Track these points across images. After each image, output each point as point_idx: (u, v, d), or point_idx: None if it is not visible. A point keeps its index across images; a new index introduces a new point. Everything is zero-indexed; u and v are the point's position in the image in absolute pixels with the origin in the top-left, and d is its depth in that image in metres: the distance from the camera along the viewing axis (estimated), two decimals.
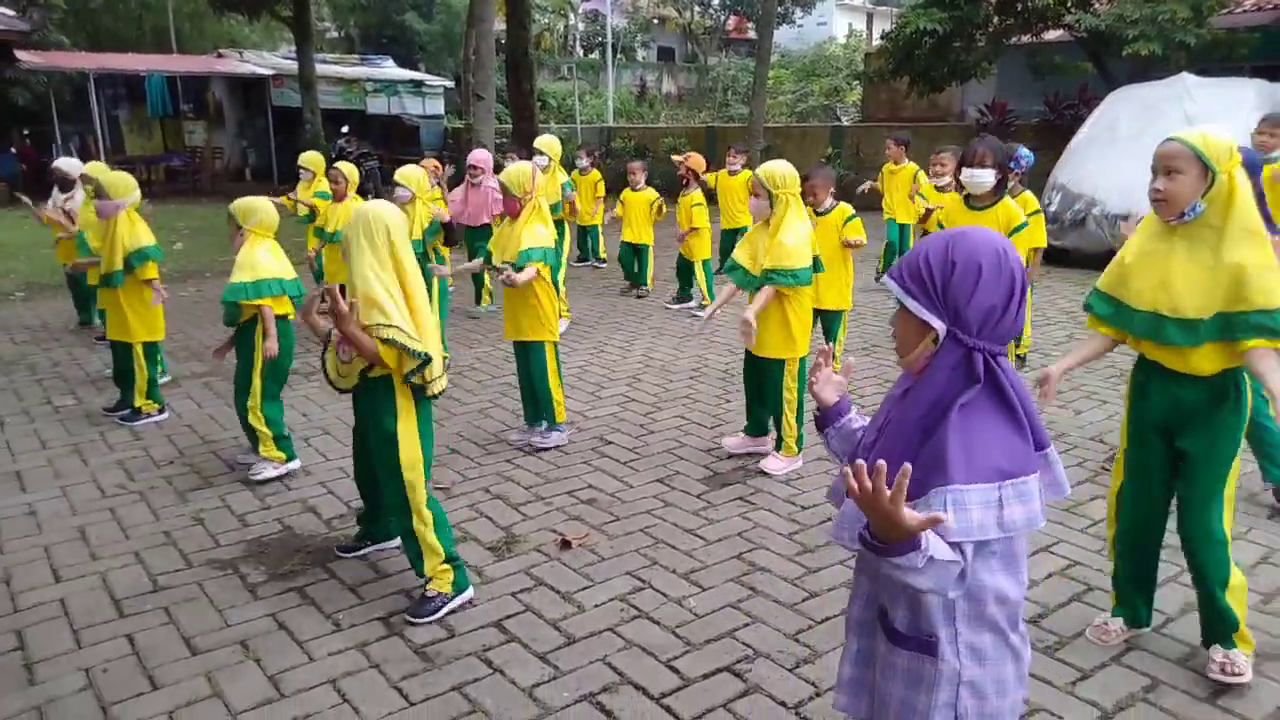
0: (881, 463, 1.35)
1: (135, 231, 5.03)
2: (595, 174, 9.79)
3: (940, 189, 6.70)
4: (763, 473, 4.41)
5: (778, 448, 4.52)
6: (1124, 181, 9.14)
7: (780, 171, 4.35)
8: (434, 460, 3.54)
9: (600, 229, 10.28)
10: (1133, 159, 9.84)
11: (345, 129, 21.10)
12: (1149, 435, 2.80)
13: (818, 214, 5.49)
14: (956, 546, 1.45)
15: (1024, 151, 6.04)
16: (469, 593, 3.28)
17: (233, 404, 4.51)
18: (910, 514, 1.36)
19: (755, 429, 4.69)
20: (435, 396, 3.19)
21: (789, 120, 24.40)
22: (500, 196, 7.32)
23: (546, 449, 4.74)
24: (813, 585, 3.37)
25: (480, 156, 7.50)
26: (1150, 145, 5.71)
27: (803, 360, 4.41)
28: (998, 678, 1.59)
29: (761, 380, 4.51)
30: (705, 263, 8.00)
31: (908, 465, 1.36)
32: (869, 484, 1.35)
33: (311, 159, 7.98)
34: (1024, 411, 1.53)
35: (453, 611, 3.19)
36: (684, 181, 8.13)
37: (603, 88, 31.09)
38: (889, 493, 1.34)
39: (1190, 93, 9.48)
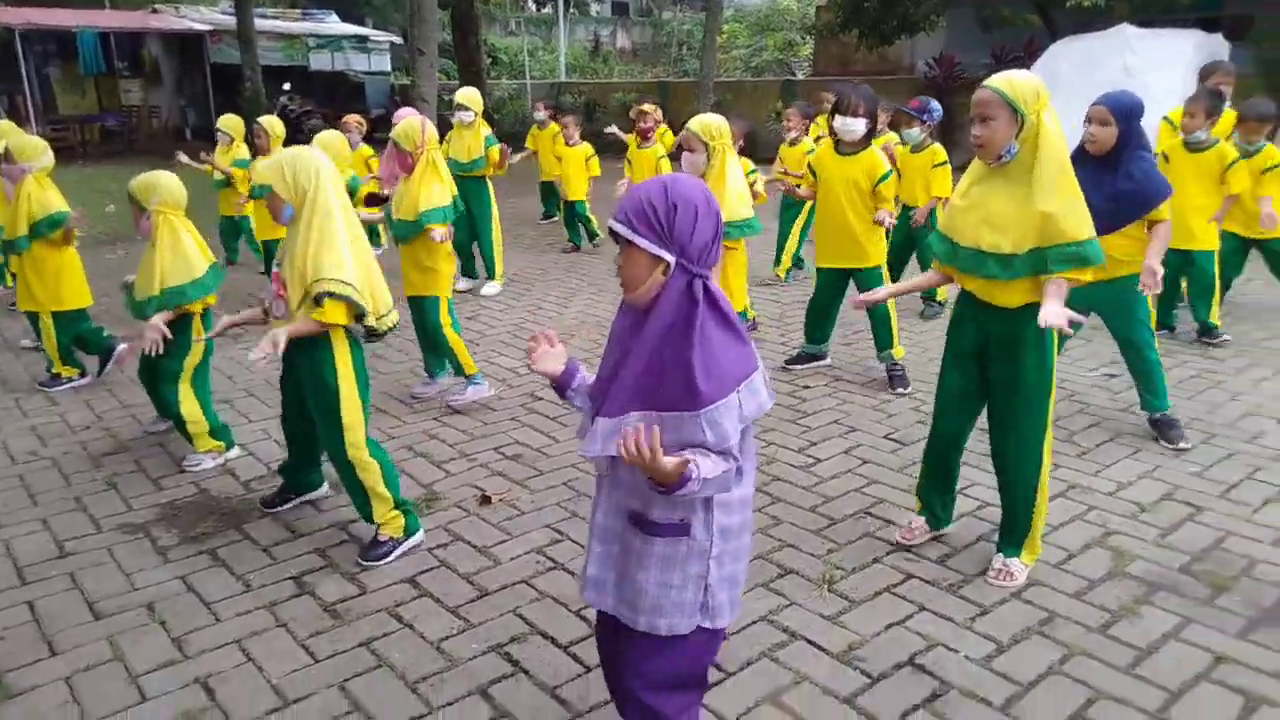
0: (640, 425, 1.66)
1: (45, 197, 4.84)
2: (554, 127, 9.59)
3: (792, 143, 6.79)
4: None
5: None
6: (1064, 133, 9.20)
7: (715, 123, 4.35)
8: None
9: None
10: (1072, 111, 9.98)
11: (287, 86, 20.64)
12: (963, 361, 3.05)
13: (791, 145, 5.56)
14: (726, 453, 1.73)
15: (935, 105, 6.05)
16: (420, 535, 3.33)
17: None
18: (668, 461, 1.65)
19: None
20: (384, 334, 3.29)
21: (743, 75, 24.23)
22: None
23: (462, 403, 4.69)
24: None
25: (403, 115, 7.35)
26: (1090, 97, 5.89)
27: (741, 314, 4.43)
28: (737, 548, 1.92)
29: None
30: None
31: (656, 428, 1.65)
32: (632, 448, 1.64)
33: (231, 123, 7.73)
34: (734, 319, 1.79)
35: (404, 555, 3.25)
36: (646, 135, 7.88)
37: (555, 43, 30.59)
38: (650, 453, 1.63)
39: (1130, 44, 9.56)
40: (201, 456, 4.09)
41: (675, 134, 9.36)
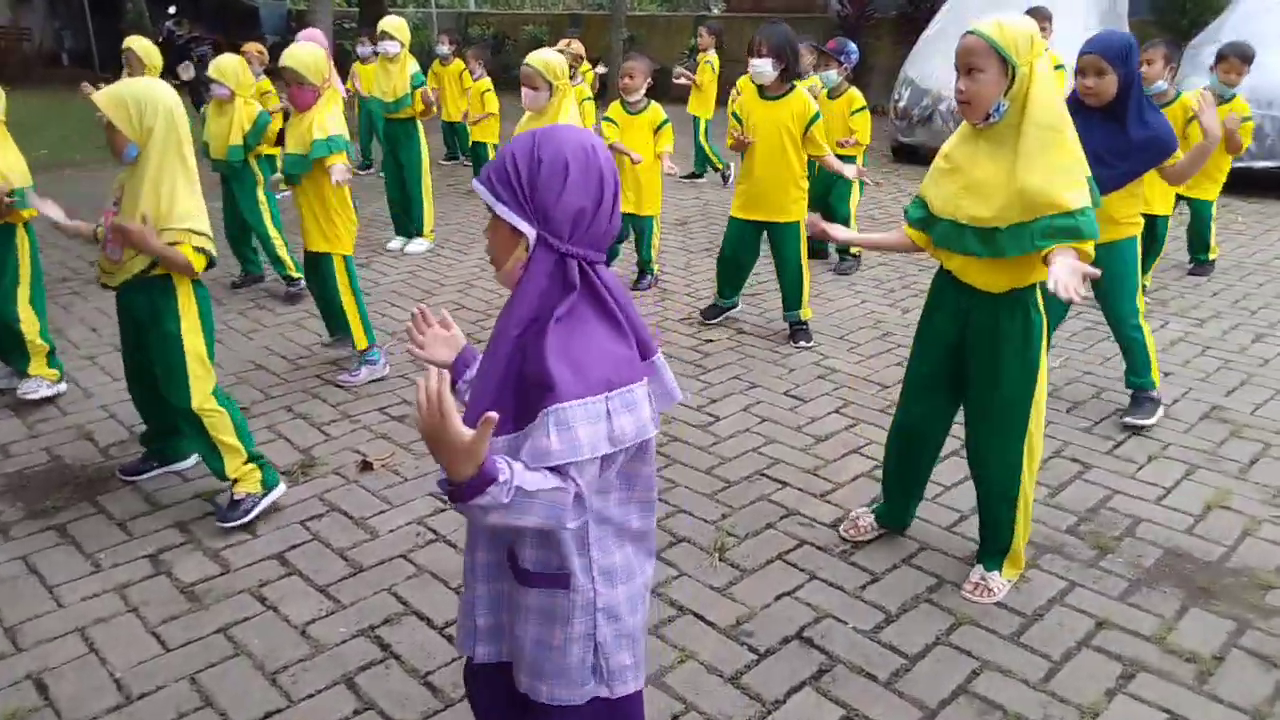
0: (492, 415, 1.24)
1: None
2: (458, 64, 9.09)
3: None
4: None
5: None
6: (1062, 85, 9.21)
7: (559, 61, 4.13)
8: (238, 379, 3.23)
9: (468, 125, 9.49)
10: None
11: (172, 10, 19.19)
12: (935, 351, 2.73)
13: (630, 111, 5.26)
14: (563, 472, 1.33)
15: (852, 46, 5.91)
16: (281, 488, 3.16)
17: None
18: (464, 433, 1.23)
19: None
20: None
21: (658, 9, 23.66)
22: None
23: (355, 384, 4.31)
24: None
25: (314, 35, 6.83)
26: None
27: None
28: (630, 595, 1.53)
29: None
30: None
31: (492, 415, 1.24)
32: (425, 400, 1.23)
33: (144, 47, 7.00)
34: (626, 319, 1.43)
35: (264, 511, 3.08)
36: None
37: None
38: (448, 419, 1.22)
39: None
40: (36, 383, 3.86)
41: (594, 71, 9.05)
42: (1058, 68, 6.13)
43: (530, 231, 1.40)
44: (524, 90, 4.19)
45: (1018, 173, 2.34)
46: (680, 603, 2.70)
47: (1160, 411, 3.85)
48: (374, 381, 4.28)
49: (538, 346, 1.37)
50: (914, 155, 9.74)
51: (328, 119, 3.99)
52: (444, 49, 8.98)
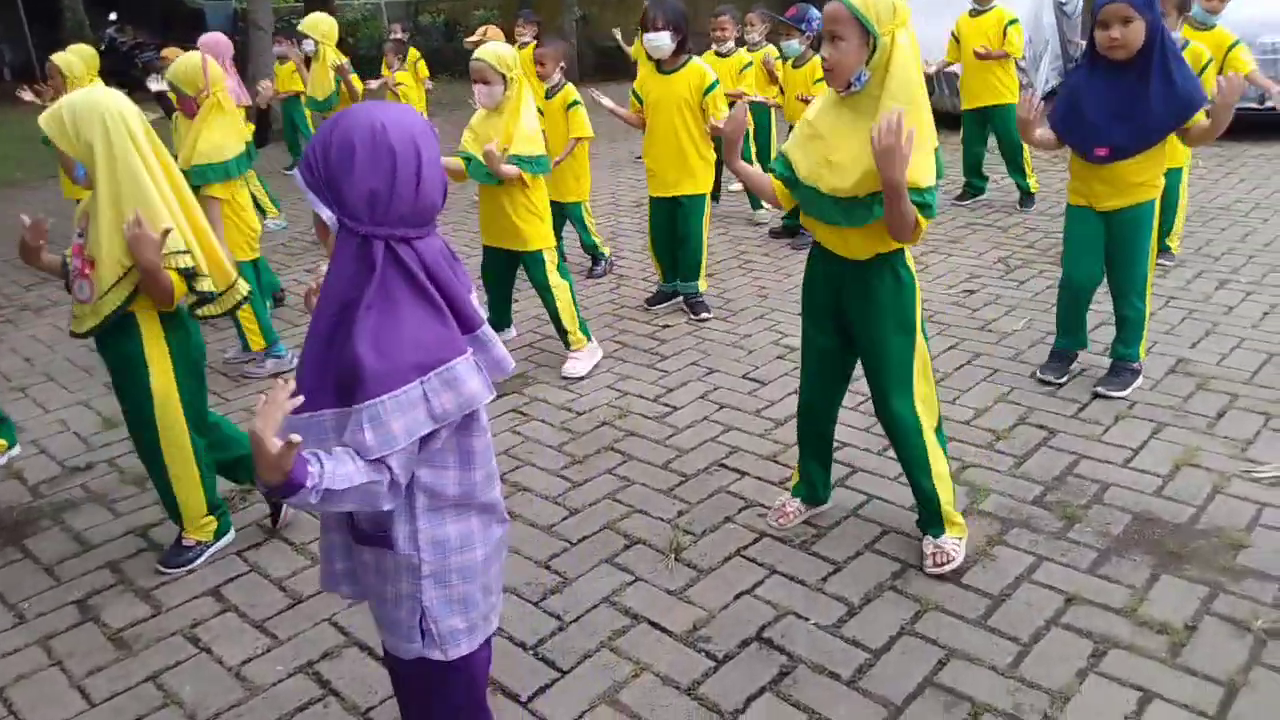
0: (295, 438, 1.31)
1: None
2: (414, 52, 8.85)
3: (722, 55, 6.27)
4: (566, 378, 4.13)
5: (567, 346, 4.25)
6: (922, 37, 9.05)
7: (510, 53, 3.96)
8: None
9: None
10: (925, 14, 9.85)
11: (113, 16, 18.78)
12: (818, 316, 2.70)
13: (547, 97, 5.08)
14: (381, 463, 1.40)
15: (814, 13, 5.72)
16: (230, 535, 2.98)
17: None
18: (274, 443, 1.29)
19: (501, 323, 4.46)
20: (228, 313, 2.90)
21: None
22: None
23: (263, 374, 4.30)
24: (575, 500, 3.16)
25: (206, 41, 6.63)
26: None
27: (558, 248, 4.21)
28: (464, 564, 1.58)
29: (508, 277, 4.29)
30: None
31: (295, 438, 1.30)
32: (262, 407, 1.33)
33: (65, 62, 6.72)
34: (445, 295, 1.45)
35: (212, 559, 2.92)
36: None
37: None
38: (266, 433, 1.30)
39: None
40: None
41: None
42: (1011, 22, 6.03)
43: (329, 216, 1.42)
44: (476, 87, 3.97)
45: (860, 143, 2.29)
46: (635, 610, 2.59)
47: (1137, 382, 3.68)
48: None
49: (348, 335, 1.39)
50: None
51: (212, 139, 3.88)
52: (398, 36, 8.75)
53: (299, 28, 6.24)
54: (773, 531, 2.92)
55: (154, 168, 2.57)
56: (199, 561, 2.89)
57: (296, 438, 1.30)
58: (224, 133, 3.94)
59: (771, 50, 6.42)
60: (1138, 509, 2.92)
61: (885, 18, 2.25)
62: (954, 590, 2.60)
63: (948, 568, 2.65)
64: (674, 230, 4.77)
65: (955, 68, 6.45)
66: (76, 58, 5.45)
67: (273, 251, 6.39)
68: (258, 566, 2.89)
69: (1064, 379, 3.79)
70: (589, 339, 4.27)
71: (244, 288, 2.88)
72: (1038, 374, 3.84)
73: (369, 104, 1.47)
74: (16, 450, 3.69)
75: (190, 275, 2.63)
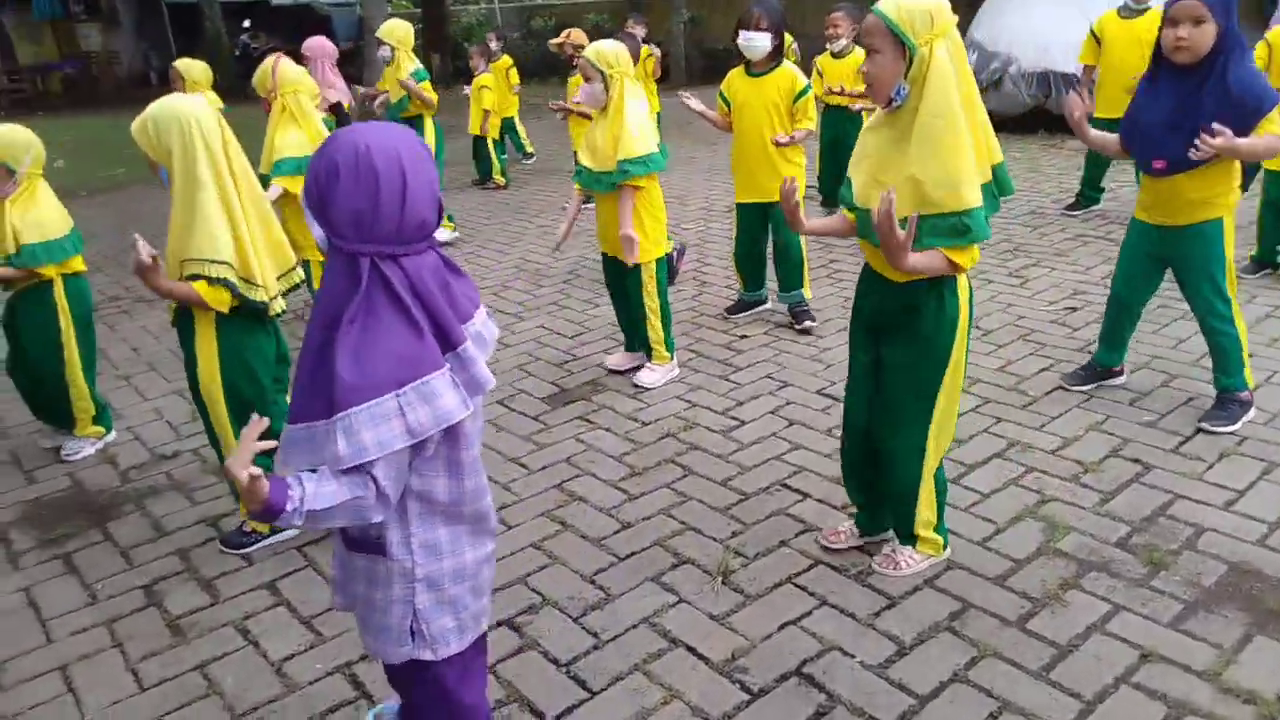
0: (255, 470, 1.41)
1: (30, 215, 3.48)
2: (505, 60, 9.05)
3: (837, 55, 6.17)
4: (637, 385, 4.09)
5: (649, 357, 4.19)
6: (1041, 36, 8.63)
7: (613, 50, 3.88)
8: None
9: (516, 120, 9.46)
10: (1051, 9, 9.36)
11: (247, 23, 19.85)
12: (862, 337, 2.60)
13: None
14: (361, 471, 1.45)
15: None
16: (289, 533, 3.05)
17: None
18: (248, 474, 1.39)
19: (633, 344, 4.29)
20: (276, 316, 2.92)
21: None
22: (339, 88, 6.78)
23: None
24: (629, 514, 3.11)
25: (309, 45, 6.94)
26: None
27: (660, 260, 4.04)
28: (456, 567, 1.64)
29: (624, 286, 4.13)
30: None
31: (256, 470, 1.39)
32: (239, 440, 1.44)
33: (185, 67, 7.15)
34: (429, 311, 1.49)
35: (274, 551, 3.01)
36: (573, 63, 7.39)
37: None
38: (237, 464, 1.40)
39: None
40: (82, 443, 3.79)
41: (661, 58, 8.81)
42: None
43: (319, 234, 1.50)
44: (581, 86, 4.00)
45: (911, 158, 2.23)
46: (673, 634, 2.51)
47: (1248, 415, 3.37)
48: None
49: (333, 348, 1.44)
50: None
51: (285, 142, 4.10)
52: (493, 45, 8.93)
53: (378, 34, 6.42)
54: (828, 559, 2.79)
55: (224, 175, 2.65)
56: (252, 549, 2.98)
57: (257, 470, 1.40)
58: (296, 132, 4.15)
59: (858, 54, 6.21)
60: (1235, 559, 2.67)
61: (921, 28, 2.16)
62: (1017, 636, 2.43)
63: (891, 573, 2.65)
64: (762, 238, 4.67)
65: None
66: (196, 66, 5.83)
67: None
68: (314, 563, 2.94)
69: (1084, 387, 3.71)
70: (671, 356, 4.18)
71: (281, 304, 2.92)
72: (1060, 381, 3.77)
73: (358, 126, 1.51)
74: (112, 436, 3.89)
75: (228, 285, 2.67)
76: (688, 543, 2.93)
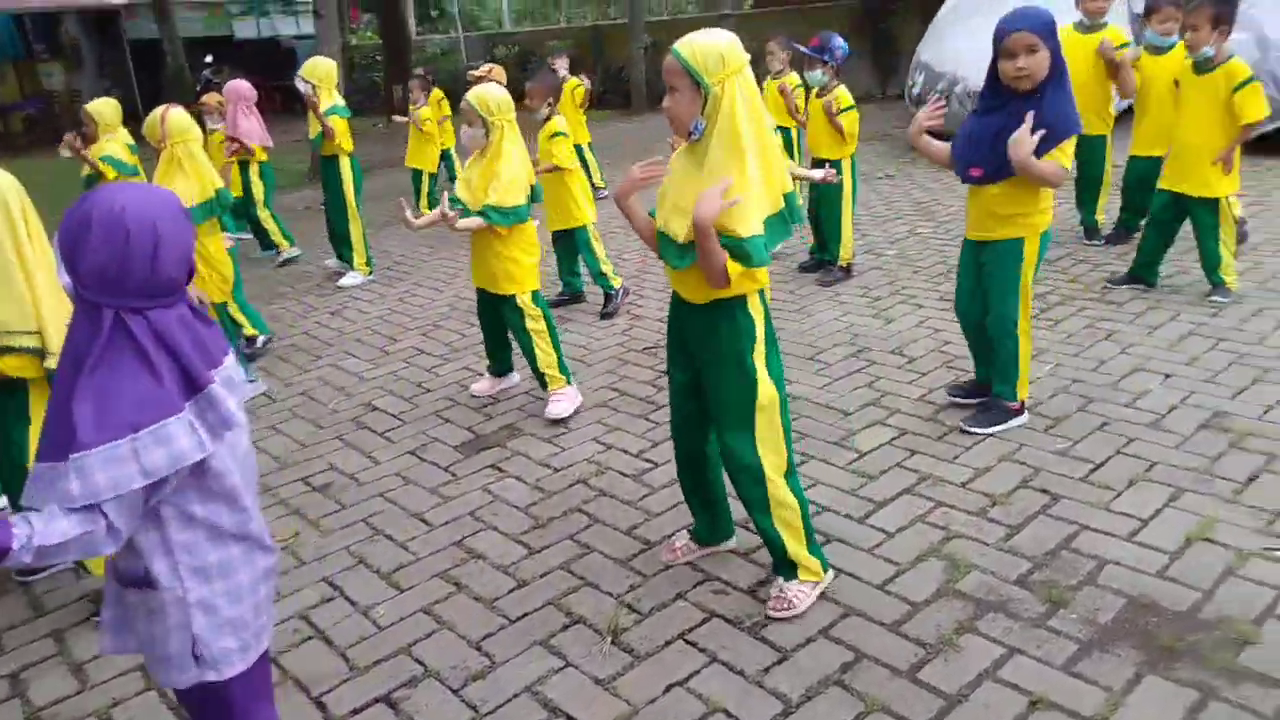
0: None
1: None
2: (437, 92, 9.01)
3: (775, 75, 6.26)
4: (552, 420, 4.06)
5: (543, 388, 4.17)
6: (986, 56, 8.61)
7: (495, 96, 3.93)
8: None
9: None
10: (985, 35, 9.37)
11: (209, 58, 19.74)
12: (675, 355, 2.74)
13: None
14: (92, 508, 1.49)
15: (836, 41, 5.49)
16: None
17: None
18: None
19: (498, 369, 4.46)
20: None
21: (699, 10, 23.33)
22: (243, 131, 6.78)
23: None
24: (527, 570, 3.02)
25: (229, 88, 6.97)
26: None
27: (536, 292, 4.12)
28: (230, 589, 1.69)
29: (495, 318, 4.23)
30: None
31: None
32: None
33: (97, 110, 7.10)
34: (172, 357, 1.55)
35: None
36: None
37: None
38: None
39: None
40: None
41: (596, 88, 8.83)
42: (1121, 46, 5.47)
43: (66, 282, 1.59)
44: (463, 128, 4.01)
45: (701, 187, 2.35)
46: (555, 703, 2.42)
47: (1012, 423, 3.55)
48: (308, 447, 4.12)
49: (72, 392, 1.49)
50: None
51: (177, 190, 4.02)
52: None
53: (299, 73, 6.38)
54: (723, 611, 2.71)
55: (24, 244, 2.65)
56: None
57: (25, 517, 1.47)
58: (184, 182, 4.15)
59: (791, 79, 6.23)
60: (1135, 592, 2.60)
61: (714, 68, 2.29)
62: (907, 688, 2.35)
63: (787, 613, 2.62)
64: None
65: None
66: (107, 107, 5.88)
67: (289, 282, 6.52)
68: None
69: (964, 399, 3.77)
70: (568, 380, 4.18)
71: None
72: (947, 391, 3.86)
73: (118, 185, 1.61)
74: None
75: (40, 354, 2.69)
76: (583, 600, 2.84)
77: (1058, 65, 3.09)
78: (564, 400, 4.10)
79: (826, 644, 2.54)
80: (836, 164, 5.42)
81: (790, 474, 2.64)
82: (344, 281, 6.67)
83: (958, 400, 3.80)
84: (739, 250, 2.35)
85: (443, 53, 20.38)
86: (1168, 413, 3.57)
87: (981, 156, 3.27)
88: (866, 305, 5.17)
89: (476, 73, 7.27)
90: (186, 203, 4.07)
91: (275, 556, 1.81)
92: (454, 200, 3.97)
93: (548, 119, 5.21)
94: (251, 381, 4.49)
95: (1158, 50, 5.13)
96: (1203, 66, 4.42)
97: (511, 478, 3.66)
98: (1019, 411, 3.58)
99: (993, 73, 3.21)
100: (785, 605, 2.63)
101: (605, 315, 5.40)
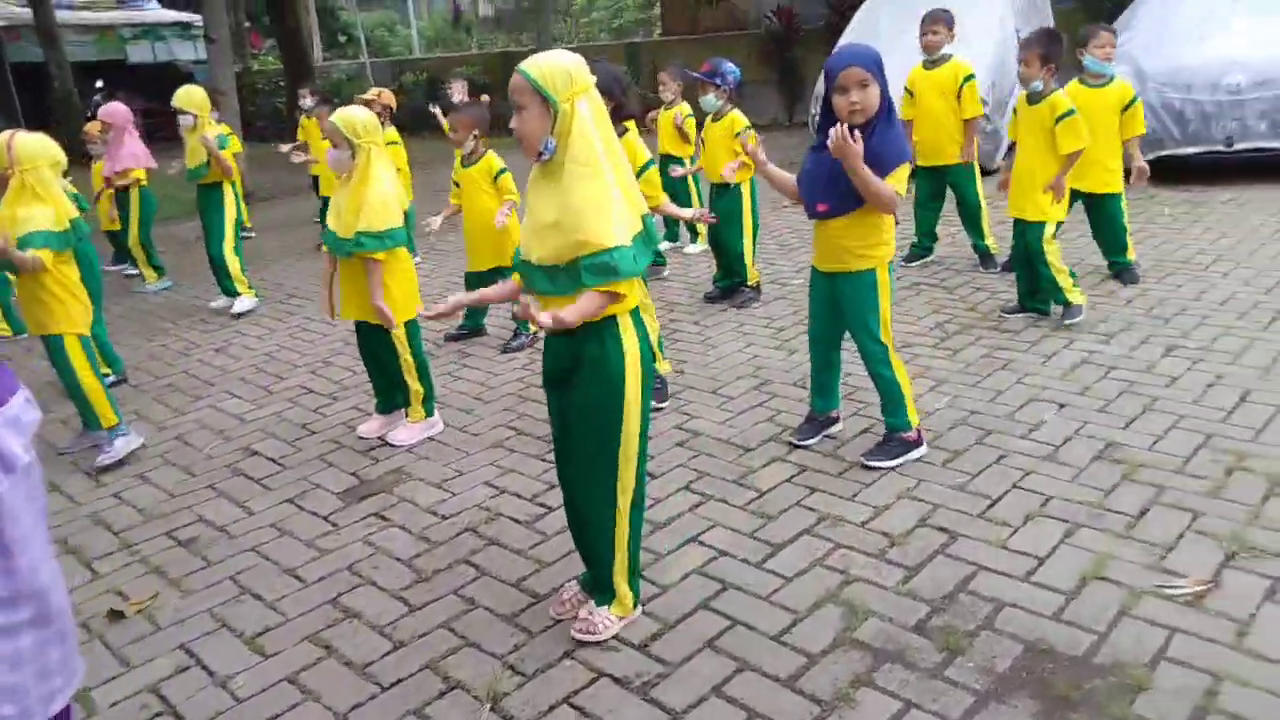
0: None
1: None
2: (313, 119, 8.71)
3: (667, 105, 6.31)
4: (390, 444, 4.04)
5: (405, 415, 4.14)
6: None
7: (362, 120, 3.80)
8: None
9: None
10: (893, 63, 9.60)
11: (99, 83, 18.92)
12: (550, 396, 2.64)
13: (465, 165, 5.00)
14: None
15: (727, 67, 5.49)
16: None
17: None
18: None
19: (386, 406, 4.27)
20: None
21: (608, 39, 23.44)
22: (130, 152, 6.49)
23: (111, 459, 4.09)
24: (405, 630, 2.81)
25: (110, 111, 6.67)
26: (913, 46, 5.50)
27: (410, 322, 4.03)
28: (10, 654, 1.48)
29: (376, 350, 4.12)
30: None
31: None
32: None
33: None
34: None
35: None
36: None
37: (417, 15, 29.20)
38: None
39: None
40: None
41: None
42: (968, 78, 5.64)
43: None
44: (328, 151, 3.88)
45: (563, 200, 2.33)
46: None
47: (913, 454, 3.53)
48: (177, 496, 3.82)
49: None
50: None
51: (28, 216, 3.84)
52: (308, 102, 8.59)
53: (175, 102, 6.12)
54: (611, 670, 2.56)
55: None
56: None
57: None
58: (40, 207, 3.90)
59: (683, 108, 6.24)
60: (1032, 637, 2.54)
61: (562, 86, 2.30)
62: None
63: (588, 637, 2.63)
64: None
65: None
66: None
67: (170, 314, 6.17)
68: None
69: (810, 440, 3.72)
70: (430, 413, 4.17)
71: None
72: (792, 437, 3.77)
73: None
74: None
75: None
76: (462, 662, 2.65)
77: (886, 100, 3.18)
78: (414, 429, 4.10)
79: (719, 704, 2.40)
80: (738, 188, 5.41)
81: (635, 505, 2.60)
82: (236, 308, 6.40)
83: (798, 444, 3.73)
84: (607, 263, 2.29)
85: (348, 78, 19.93)
86: (1062, 444, 3.57)
87: (824, 192, 3.31)
88: (770, 336, 5.11)
89: (365, 96, 7.02)
90: (50, 226, 3.85)
91: (65, 619, 1.60)
92: (324, 236, 3.88)
93: (473, 153, 4.97)
94: (124, 436, 4.15)
95: (1099, 79, 5.09)
96: (1034, 98, 4.64)
97: (396, 527, 3.44)
98: (918, 442, 3.56)
99: (827, 109, 3.24)
100: (589, 629, 2.65)
101: (508, 350, 5.22)
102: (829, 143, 3.11)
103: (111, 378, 5.03)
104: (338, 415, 4.54)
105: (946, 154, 5.83)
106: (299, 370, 5.24)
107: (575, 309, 2.31)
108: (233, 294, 6.47)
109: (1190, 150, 7.29)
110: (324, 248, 4.01)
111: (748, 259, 5.60)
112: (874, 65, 3.13)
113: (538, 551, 3.19)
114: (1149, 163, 5.23)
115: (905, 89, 5.83)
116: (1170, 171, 7.32)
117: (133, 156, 6.77)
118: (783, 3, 14.45)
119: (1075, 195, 5.21)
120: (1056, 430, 3.68)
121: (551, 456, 3.82)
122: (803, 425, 3.81)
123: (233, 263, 6.38)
